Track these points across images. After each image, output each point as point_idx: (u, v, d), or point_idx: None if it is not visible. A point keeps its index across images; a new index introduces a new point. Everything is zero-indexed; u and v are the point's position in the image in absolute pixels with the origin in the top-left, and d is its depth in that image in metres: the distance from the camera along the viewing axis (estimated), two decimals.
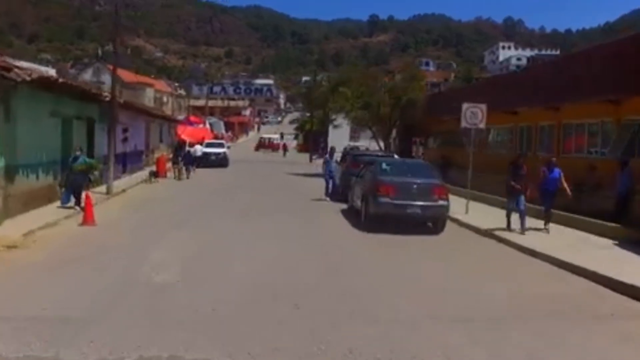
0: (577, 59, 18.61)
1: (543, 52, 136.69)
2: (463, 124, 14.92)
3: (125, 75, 65.09)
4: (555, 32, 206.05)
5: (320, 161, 34.66)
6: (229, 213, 14.44)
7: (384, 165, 13.31)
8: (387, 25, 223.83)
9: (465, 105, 14.95)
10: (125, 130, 23.50)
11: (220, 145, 36.06)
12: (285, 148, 53.09)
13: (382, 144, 32.41)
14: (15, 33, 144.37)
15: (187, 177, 25.33)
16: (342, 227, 12.69)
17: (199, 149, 29.31)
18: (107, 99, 17.83)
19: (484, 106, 14.93)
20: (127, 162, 24.18)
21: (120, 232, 11.17)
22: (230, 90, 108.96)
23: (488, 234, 12.10)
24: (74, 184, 13.32)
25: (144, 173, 24.78)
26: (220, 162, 32.88)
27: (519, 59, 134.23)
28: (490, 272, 8.86)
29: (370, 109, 30.78)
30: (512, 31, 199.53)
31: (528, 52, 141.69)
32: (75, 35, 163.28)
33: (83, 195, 12.80)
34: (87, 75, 65.50)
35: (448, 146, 28.60)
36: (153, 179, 22.79)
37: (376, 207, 11.90)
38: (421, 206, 11.81)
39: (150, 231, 11.24)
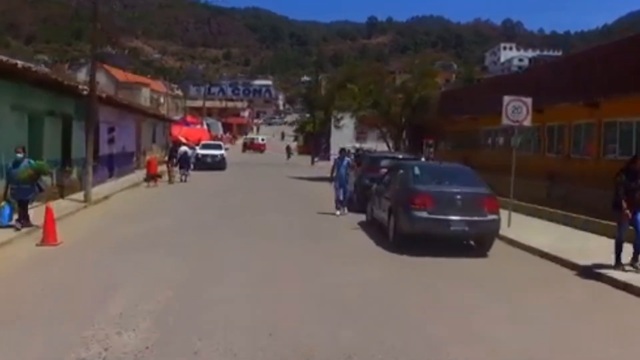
0: (624, 48, 16.35)
1: (545, 53, 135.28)
2: (504, 120, 12.63)
3: (121, 75, 63.33)
4: (554, 33, 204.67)
5: (322, 163, 32.49)
6: (223, 224, 12.13)
7: (416, 170, 10.72)
8: (385, 26, 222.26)
9: (506, 99, 12.66)
10: (111, 130, 21.33)
11: (218, 147, 33.99)
12: (289, 150, 50.38)
13: (392, 145, 30.22)
14: (12, 33, 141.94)
15: (183, 180, 23.48)
16: (365, 248, 10.19)
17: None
18: (85, 92, 15.45)
19: (529, 100, 12.67)
20: (114, 164, 22.21)
21: (85, 256, 8.69)
22: (229, 91, 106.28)
23: (588, 271, 8.47)
24: (17, 196, 10.39)
25: (133, 176, 23.21)
26: (218, 164, 30.98)
27: (520, 60, 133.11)
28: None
29: (379, 107, 28.62)
30: (511, 33, 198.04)
31: (530, 53, 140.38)
32: (73, 37, 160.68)
33: (31, 211, 10.27)
34: (82, 75, 63.40)
35: (463, 148, 26.59)
36: (146, 184, 21.20)
37: (410, 222, 9.46)
38: (468, 222, 9.32)
39: (124, 255, 8.81)
